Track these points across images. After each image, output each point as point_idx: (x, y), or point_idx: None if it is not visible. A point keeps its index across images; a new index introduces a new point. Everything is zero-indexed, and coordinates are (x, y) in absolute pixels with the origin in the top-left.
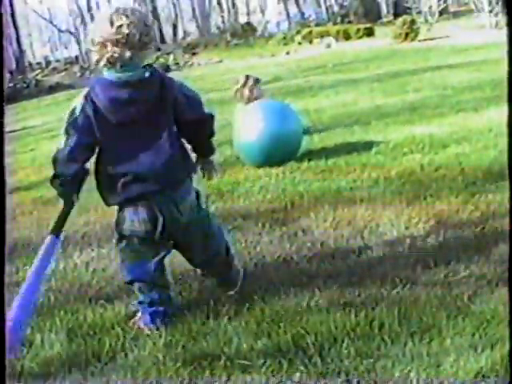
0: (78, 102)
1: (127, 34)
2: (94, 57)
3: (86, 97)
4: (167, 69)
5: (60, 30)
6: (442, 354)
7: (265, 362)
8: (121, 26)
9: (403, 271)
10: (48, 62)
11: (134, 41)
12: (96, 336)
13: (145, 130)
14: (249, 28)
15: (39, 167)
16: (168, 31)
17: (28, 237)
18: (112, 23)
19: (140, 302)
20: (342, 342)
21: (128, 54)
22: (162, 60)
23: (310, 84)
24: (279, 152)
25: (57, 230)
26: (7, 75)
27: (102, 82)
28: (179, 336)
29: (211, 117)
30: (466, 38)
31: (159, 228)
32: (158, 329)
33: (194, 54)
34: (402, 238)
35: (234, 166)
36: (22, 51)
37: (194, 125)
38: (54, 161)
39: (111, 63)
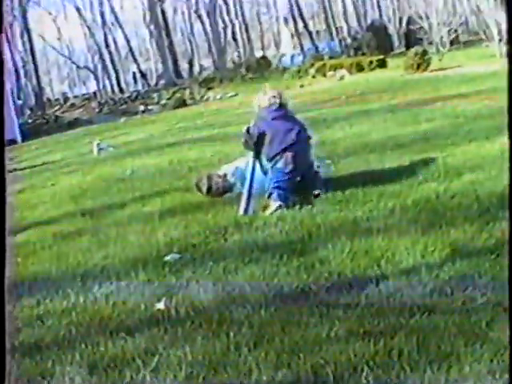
0: None
1: None
2: None
3: None
4: (183, 103)
5: (78, 67)
6: (461, 381)
7: None
8: None
9: (421, 299)
10: (66, 98)
11: None
12: (116, 368)
13: None
14: (264, 62)
15: (59, 202)
16: (184, 66)
17: (48, 271)
18: None
19: None
20: (362, 371)
21: None
22: (178, 94)
23: (324, 116)
24: None
25: None
26: (27, 111)
27: None
28: (199, 368)
29: None
30: (476, 67)
31: None
32: None
33: (209, 88)
34: (419, 267)
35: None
36: (41, 88)
37: None
38: None
39: None
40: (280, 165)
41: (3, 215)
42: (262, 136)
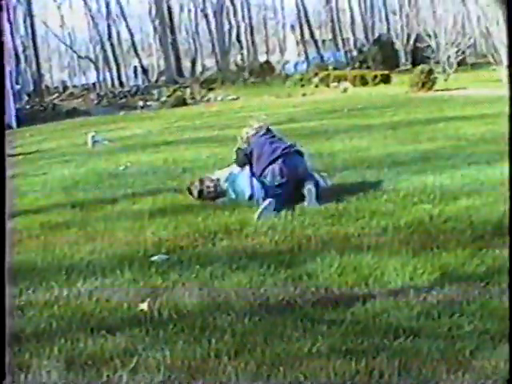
0: None
1: None
2: None
3: None
4: (183, 102)
5: (79, 56)
6: None
7: None
8: None
9: (407, 322)
10: (65, 87)
11: None
12: (94, 366)
13: None
14: (267, 67)
15: (50, 192)
16: (186, 65)
17: (33, 261)
18: None
19: None
20: None
21: None
22: (178, 93)
23: (324, 127)
24: None
25: None
26: (25, 97)
27: None
28: (178, 372)
29: None
30: (482, 91)
31: None
32: None
33: (210, 89)
34: (407, 289)
35: (244, 205)
36: (40, 74)
37: None
38: None
39: None
40: (269, 178)
41: (3, 201)
42: (251, 153)
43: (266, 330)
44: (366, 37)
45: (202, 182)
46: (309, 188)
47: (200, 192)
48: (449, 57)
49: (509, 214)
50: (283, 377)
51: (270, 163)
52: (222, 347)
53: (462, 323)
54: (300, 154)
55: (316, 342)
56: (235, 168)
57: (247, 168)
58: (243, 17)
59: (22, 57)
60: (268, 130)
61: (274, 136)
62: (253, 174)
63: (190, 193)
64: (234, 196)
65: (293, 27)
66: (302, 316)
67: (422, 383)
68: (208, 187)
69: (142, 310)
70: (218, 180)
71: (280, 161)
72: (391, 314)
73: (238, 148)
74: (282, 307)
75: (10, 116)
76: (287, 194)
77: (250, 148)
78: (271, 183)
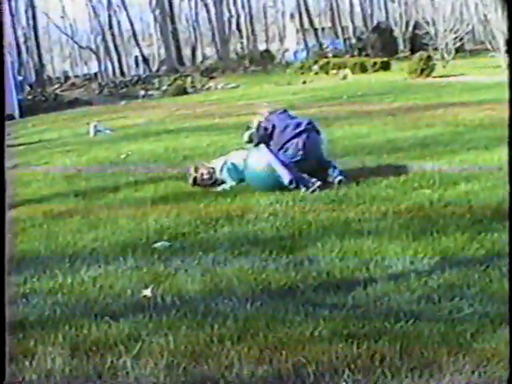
0: None
1: None
2: None
3: None
4: (184, 91)
5: (81, 47)
6: None
7: None
8: None
9: (407, 305)
10: (67, 78)
11: None
12: (98, 352)
13: None
14: (267, 55)
15: (52, 181)
16: (187, 54)
17: (37, 249)
18: None
19: None
20: (343, 373)
21: None
22: (179, 82)
23: (324, 114)
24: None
25: None
26: (27, 87)
27: None
28: (181, 357)
29: None
30: (480, 77)
31: None
32: None
33: (211, 77)
34: (407, 273)
35: (246, 192)
36: (42, 65)
37: None
38: None
39: None
40: (290, 152)
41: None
42: (273, 127)
43: (268, 315)
44: (365, 24)
45: (196, 169)
46: (334, 165)
47: (194, 179)
48: (447, 43)
49: (509, 198)
50: (285, 361)
51: (294, 137)
52: (224, 332)
53: (462, 306)
54: (318, 133)
55: (318, 327)
56: (234, 156)
57: (263, 150)
58: (243, 5)
59: (23, 48)
60: (285, 111)
61: (290, 115)
62: (271, 151)
63: (187, 179)
64: (233, 183)
65: (292, 15)
66: (303, 301)
67: (423, 366)
68: (202, 175)
69: (145, 297)
70: (213, 169)
71: (304, 135)
72: (392, 297)
73: (258, 125)
74: (284, 292)
75: (13, 106)
76: (304, 170)
77: (271, 123)
78: (293, 156)
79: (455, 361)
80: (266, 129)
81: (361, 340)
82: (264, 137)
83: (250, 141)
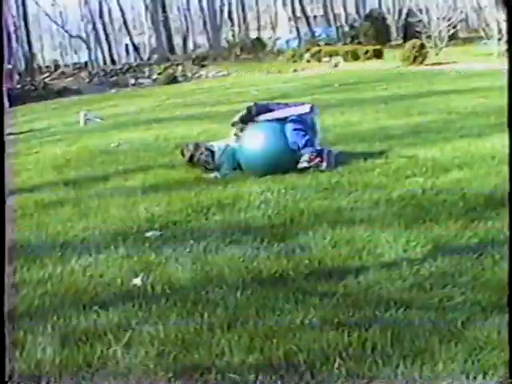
0: None
1: None
2: None
3: None
4: (174, 79)
5: (71, 35)
6: (434, 379)
7: (256, 377)
8: None
9: (399, 294)
10: (57, 66)
11: None
12: (88, 342)
13: None
14: (258, 43)
15: (42, 170)
16: (178, 42)
17: (27, 239)
18: None
19: None
20: (334, 361)
21: None
22: (170, 70)
23: (316, 102)
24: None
25: None
26: (16, 77)
27: None
28: (171, 346)
29: None
30: (473, 65)
31: None
32: None
33: (202, 66)
34: (400, 261)
35: (237, 179)
36: (32, 54)
37: None
38: None
39: None
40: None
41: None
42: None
43: (259, 303)
44: (358, 12)
45: (197, 147)
46: (329, 150)
47: (191, 156)
48: (440, 31)
49: (509, 184)
50: (276, 349)
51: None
52: (214, 321)
53: (453, 294)
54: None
55: (308, 315)
56: (233, 141)
57: (260, 123)
58: None
59: (13, 36)
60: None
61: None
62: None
63: (182, 154)
64: (227, 171)
65: (284, 3)
66: (294, 289)
67: (415, 354)
68: (201, 154)
69: (135, 285)
70: (213, 151)
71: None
72: (384, 286)
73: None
74: (275, 280)
75: (2, 96)
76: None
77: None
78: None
79: (447, 349)
80: (261, 106)
81: (352, 328)
82: (259, 111)
83: (242, 121)
